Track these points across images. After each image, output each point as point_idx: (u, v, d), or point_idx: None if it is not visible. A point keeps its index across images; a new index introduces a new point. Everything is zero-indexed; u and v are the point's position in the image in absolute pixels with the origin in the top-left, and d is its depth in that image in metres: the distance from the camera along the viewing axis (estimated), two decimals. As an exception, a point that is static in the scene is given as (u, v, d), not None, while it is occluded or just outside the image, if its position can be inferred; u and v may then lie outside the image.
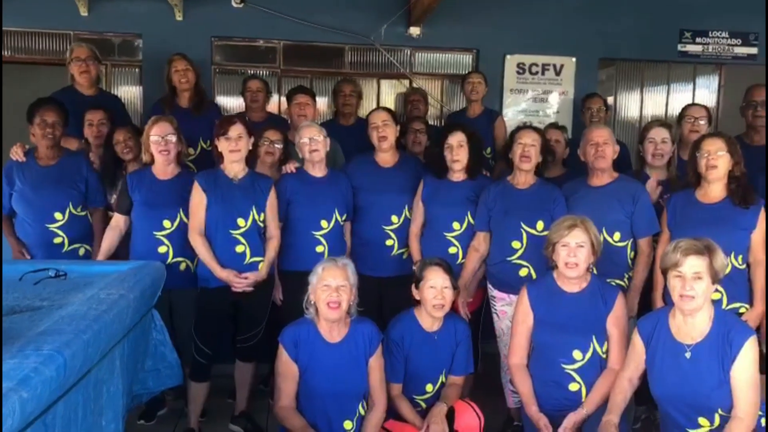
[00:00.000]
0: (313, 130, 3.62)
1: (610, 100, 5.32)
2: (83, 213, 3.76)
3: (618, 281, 3.41)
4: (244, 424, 3.66)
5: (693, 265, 2.57)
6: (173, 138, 3.50)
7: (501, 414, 3.70)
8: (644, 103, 5.50)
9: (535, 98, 5.18)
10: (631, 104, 5.49)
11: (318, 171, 3.63)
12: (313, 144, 3.57)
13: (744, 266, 3.24)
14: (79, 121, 3.99)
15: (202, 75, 4.48)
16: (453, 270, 3.11)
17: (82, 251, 3.72)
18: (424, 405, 3.11)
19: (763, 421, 2.66)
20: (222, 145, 3.42)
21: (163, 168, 3.52)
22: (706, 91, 5.50)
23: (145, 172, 3.55)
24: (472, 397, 3.75)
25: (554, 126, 4.14)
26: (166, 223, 3.48)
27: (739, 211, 3.18)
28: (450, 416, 3.02)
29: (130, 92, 4.99)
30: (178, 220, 3.49)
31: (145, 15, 4.71)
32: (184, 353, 3.51)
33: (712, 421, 2.61)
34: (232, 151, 3.39)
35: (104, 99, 4.30)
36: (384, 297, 3.71)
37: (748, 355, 2.54)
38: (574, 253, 2.91)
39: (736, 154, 3.25)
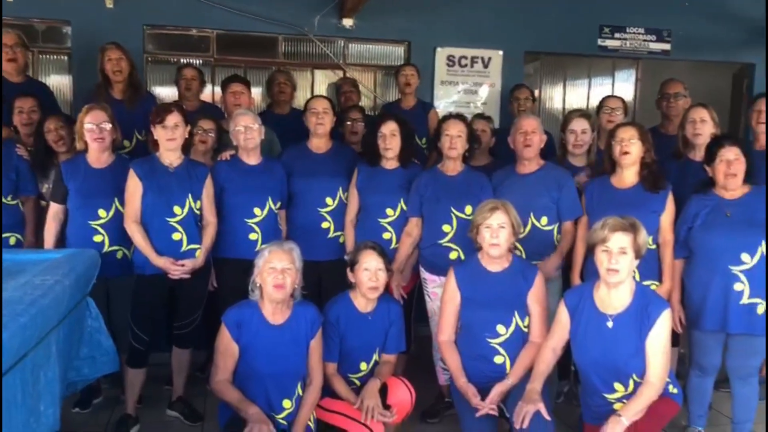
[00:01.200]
0: (247, 118, 3.68)
1: (536, 92, 5.57)
2: (14, 202, 3.72)
3: (545, 262, 3.61)
4: (182, 409, 3.71)
5: (619, 240, 2.79)
6: (108, 126, 3.49)
7: (433, 391, 3.86)
8: (567, 94, 5.77)
9: (466, 90, 5.35)
10: (555, 96, 5.75)
11: (252, 159, 3.68)
12: (248, 132, 3.62)
13: (654, 246, 3.49)
14: (7, 108, 3.92)
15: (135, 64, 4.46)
16: (386, 253, 3.23)
17: (13, 240, 3.68)
18: (358, 383, 3.23)
19: (670, 387, 2.90)
20: (158, 133, 3.43)
21: (98, 156, 3.51)
22: (624, 84, 5.81)
23: (79, 160, 3.52)
24: (406, 376, 3.91)
25: (481, 116, 4.33)
26: (101, 213, 3.47)
27: (650, 196, 3.43)
28: (383, 392, 3.15)
29: (58, 81, 4.90)
30: (113, 209, 3.48)
31: (74, 1, 4.63)
32: (120, 341, 3.53)
33: (626, 386, 2.83)
34: (169, 140, 3.42)
35: (33, 87, 4.23)
36: (323, 281, 3.80)
37: (662, 325, 2.78)
38: (496, 233, 3.09)
39: (647, 142, 3.51)
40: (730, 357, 3.42)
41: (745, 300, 3.26)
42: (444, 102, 5.32)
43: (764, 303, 3.28)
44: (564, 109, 5.63)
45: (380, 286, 3.15)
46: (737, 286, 3.26)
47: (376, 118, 4.16)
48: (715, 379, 3.57)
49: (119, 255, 3.53)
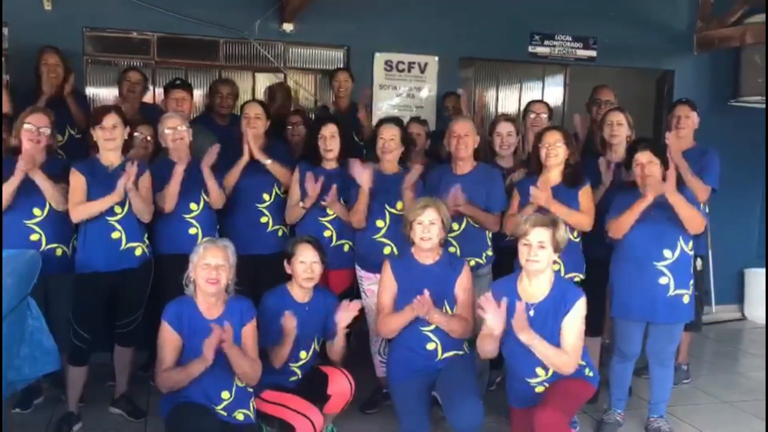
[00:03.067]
0: (176, 120, 3.79)
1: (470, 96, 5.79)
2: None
3: (477, 259, 3.81)
4: (125, 406, 3.77)
5: (538, 235, 3.02)
6: (47, 131, 3.53)
7: (371, 384, 4.02)
8: (500, 99, 6.01)
9: (406, 94, 5.53)
10: (489, 100, 5.98)
11: (180, 159, 3.71)
12: (177, 134, 3.72)
13: (578, 239, 3.74)
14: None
15: (73, 66, 4.48)
16: (323, 247, 3.39)
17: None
18: (299, 372, 3.38)
19: (586, 370, 3.13)
20: (97, 134, 3.50)
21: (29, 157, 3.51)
22: (553, 89, 6.08)
23: (11, 161, 3.51)
24: (346, 370, 4.07)
25: (416, 120, 4.52)
26: (36, 211, 3.49)
27: (571, 192, 3.68)
28: (323, 382, 3.31)
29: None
30: (47, 207, 3.50)
31: (12, 2, 4.60)
32: (61, 339, 3.55)
33: (547, 371, 3.05)
34: (107, 140, 3.48)
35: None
36: (262, 275, 3.89)
37: (577, 310, 3.02)
38: (427, 229, 3.29)
39: (571, 145, 3.77)
40: (651, 343, 3.69)
41: (671, 292, 3.52)
42: (385, 104, 5.47)
43: (688, 293, 3.57)
44: (497, 112, 5.85)
45: (315, 278, 3.31)
46: (662, 280, 3.52)
47: (314, 121, 4.29)
48: (634, 366, 3.83)
49: (58, 252, 3.56)
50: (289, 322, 3.17)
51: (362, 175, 3.65)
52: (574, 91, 5.96)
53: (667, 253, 3.51)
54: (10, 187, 3.39)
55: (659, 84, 6.39)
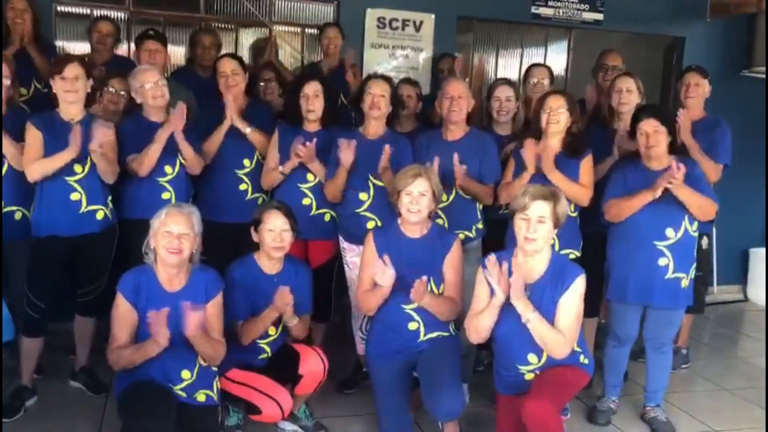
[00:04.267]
0: (155, 74, 3.48)
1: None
2: None
3: (466, 232, 3.53)
4: (85, 379, 3.55)
5: (538, 209, 2.73)
6: (7, 81, 3.27)
7: (351, 361, 3.80)
8: (499, 64, 5.69)
9: (400, 55, 5.20)
10: (488, 65, 5.66)
11: (158, 117, 3.46)
12: (158, 89, 3.42)
13: (576, 214, 3.47)
14: None
15: (42, 16, 4.16)
16: (293, 213, 3.12)
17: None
18: (268, 349, 3.14)
19: (581, 357, 2.87)
20: (57, 84, 3.22)
21: None
22: (556, 54, 5.75)
23: None
24: (325, 346, 3.84)
25: (407, 81, 4.19)
26: None
27: (570, 161, 3.40)
28: (295, 361, 3.07)
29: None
30: (6, 165, 3.25)
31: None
32: (18, 308, 3.33)
33: (540, 357, 2.80)
34: (68, 92, 3.21)
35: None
36: (241, 245, 3.58)
37: (575, 289, 2.75)
38: (416, 200, 3.01)
39: (575, 113, 3.48)
40: (648, 328, 3.46)
41: (669, 275, 3.27)
42: (375, 65, 5.12)
43: (688, 277, 3.31)
44: (497, 77, 5.53)
45: (286, 246, 3.05)
46: (662, 261, 3.26)
47: (296, 78, 3.97)
48: (630, 349, 3.59)
49: (17, 216, 3.32)
50: (285, 298, 2.92)
51: (346, 151, 3.34)
52: (579, 56, 5.66)
53: (669, 232, 3.25)
54: None
55: (668, 51, 6.09)
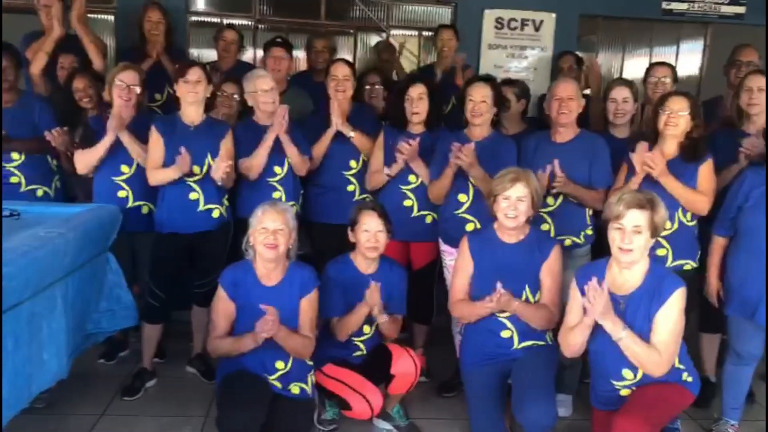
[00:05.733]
0: (269, 81, 3.62)
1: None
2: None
3: (574, 238, 3.42)
4: (199, 366, 3.77)
5: (634, 218, 2.59)
6: (137, 89, 3.53)
7: (453, 365, 3.75)
8: (625, 65, 5.43)
9: (513, 55, 5.10)
10: (614, 64, 5.41)
11: (268, 121, 3.59)
12: (269, 96, 3.57)
13: (693, 222, 3.24)
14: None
15: (176, 24, 4.48)
16: (387, 214, 3.14)
17: (40, 192, 3.77)
18: (363, 347, 3.19)
19: (684, 375, 2.68)
20: (180, 88, 3.44)
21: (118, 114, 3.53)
22: (690, 54, 5.39)
23: (100, 118, 3.55)
24: (427, 349, 3.85)
25: (507, 82, 4.05)
26: (124, 168, 3.51)
27: (688, 167, 3.18)
28: (387, 361, 3.09)
29: (105, 41, 4.96)
30: (135, 164, 3.51)
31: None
32: (145, 296, 3.60)
33: (635, 374, 2.65)
34: (190, 93, 3.42)
35: (74, 43, 4.29)
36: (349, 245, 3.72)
37: (673, 303, 2.58)
38: (514, 206, 2.93)
39: (698, 117, 3.25)
40: (771, 346, 3.16)
41: None
42: (490, 65, 5.06)
43: None
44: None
45: (380, 247, 3.09)
46: None
47: (403, 81, 4.00)
48: (756, 368, 3.30)
49: (144, 210, 3.58)
50: (374, 295, 2.98)
51: (459, 154, 3.27)
52: (716, 55, 5.23)
53: None
54: (102, 147, 3.43)
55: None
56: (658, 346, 2.54)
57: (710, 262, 3.25)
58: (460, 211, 3.44)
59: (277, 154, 3.57)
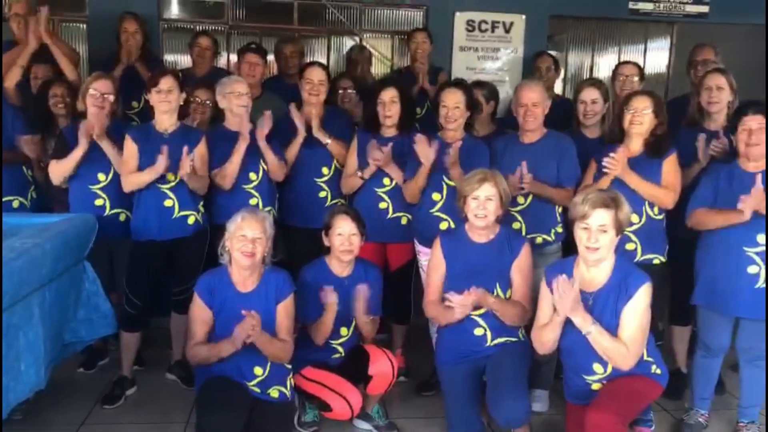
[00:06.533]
0: (245, 86, 3.64)
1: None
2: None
3: (544, 236, 3.49)
4: (179, 372, 3.78)
5: (599, 217, 2.66)
6: (111, 97, 3.53)
7: (431, 364, 3.80)
8: (595, 64, 5.52)
9: (485, 56, 5.17)
10: (584, 63, 5.50)
11: (238, 126, 3.58)
12: (242, 99, 3.59)
13: (660, 216, 3.33)
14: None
15: (149, 30, 4.49)
16: (361, 217, 3.19)
17: (16, 203, 3.76)
18: (341, 349, 3.24)
19: (653, 367, 2.76)
20: (153, 97, 3.46)
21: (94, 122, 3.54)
22: (657, 52, 5.49)
23: (73, 128, 3.52)
24: (406, 349, 3.90)
25: (477, 84, 4.10)
26: (101, 176, 3.51)
27: (653, 162, 3.27)
28: (364, 362, 3.14)
29: (78, 49, 4.95)
30: (111, 172, 3.52)
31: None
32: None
33: (605, 368, 2.72)
34: (162, 102, 3.43)
35: (47, 52, 4.28)
36: (323, 248, 3.74)
37: (640, 298, 2.65)
38: (483, 205, 3.00)
39: (662, 114, 3.33)
40: (741, 338, 3.26)
41: (760, 284, 3.06)
42: (462, 67, 5.12)
43: None
44: (592, 77, 5.36)
45: (354, 250, 3.13)
46: (752, 269, 3.06)
47: (374, 85, 4.05)
48: (723, 359, 3.39)
49: (122, 218, 3.58)
50: (329, 297, 3.01)
51: (427, 153, 3.36)
52: (682, 53, 5.28)
53: (761, 238, 3.03)
54: (75, 157, 3.43)
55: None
56: (626, 341, 2.62)
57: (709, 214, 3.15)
58: (434, 209, 3.50)
59: (251, 160, 3.60)
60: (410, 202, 3.59)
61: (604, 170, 3.20)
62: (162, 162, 3.31)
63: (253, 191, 3.65)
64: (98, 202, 3.52)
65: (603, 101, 3.77)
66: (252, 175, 3.64)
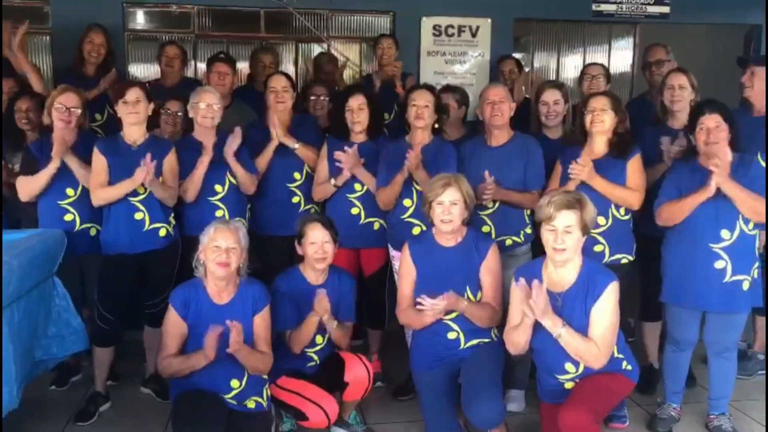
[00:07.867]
0: (213, 97, 3.60)
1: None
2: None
3: (514, 238, 3.53)
4: (154, 386, 3.74)
5: (564, 219, 2.70)
6: (78, 111, 3.50)
7: (407, 368, 3.82)
8: (561, 66, 5.60)
9: (452, 60, 5.22)
10: (550, 65, 5.57)
11: (204, 137, 3.56)
12: (209, 111, 3.56)
13: (627, 217, 3.38)
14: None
15: (114, 41, 4.45)
16: (333, 224, 3.20)
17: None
18: (316, 357, 3.24)
19: (624, 363, 2.81)
20: (120, 109, 3.43)
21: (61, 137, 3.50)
22: (621, 52, 5.59)
23: (47, 140, 3.49)
24: (382, 354, 3.92)
25: (447, 89, 4.17)
26: (69, 191, 3.48)
27: (618, 163, 3.33)
28: (340, 368, 3.15)
29: (41, 61, 4.89)
30: (80, 187, 3.48)
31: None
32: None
33: (577, 367, 2.76)
34: (130, 114, 3.40)
35: (10, 67, 4.22)
36: (298, 256, 3.75)
37: (607, 297, 2.70)
38: (448, 210, 3.03)
39: (620, 112, 3.39)
40: (708, 332, 3.32)
41: (728, 278, 3.13)
42: (430, 72, 5.16)
43: (749, 278, 3.15)
44: (558, 78, 5.45)
45: (328, 257, 3.14)
46: (718, 264, 3.13)
47: (342, 92, 4.07)
48: (692, 353, 3.46)
49: (92, 232, 3.55)
50: (322, 302, 3.03)
51: (411, 158, 3.36)
52: (646, 53, 5.45)
53: (724, 233, 3.11)
54: (46, 175, 3.39)
55: (747, 41, 5.75)
56: (596, 339, 2.66)
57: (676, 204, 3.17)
58: (405, 215, 3.53)
59: (216, 172, 3.57)
60: (384, 209, 3.60)
61: (570, 176, 3.25)
62: (141, 173, 3.26)
63: (219, 203, 3.62)
64: (68, 217, 3.49)
65: (564, 102, 3.83)
66: (218, 187, 3.61)
